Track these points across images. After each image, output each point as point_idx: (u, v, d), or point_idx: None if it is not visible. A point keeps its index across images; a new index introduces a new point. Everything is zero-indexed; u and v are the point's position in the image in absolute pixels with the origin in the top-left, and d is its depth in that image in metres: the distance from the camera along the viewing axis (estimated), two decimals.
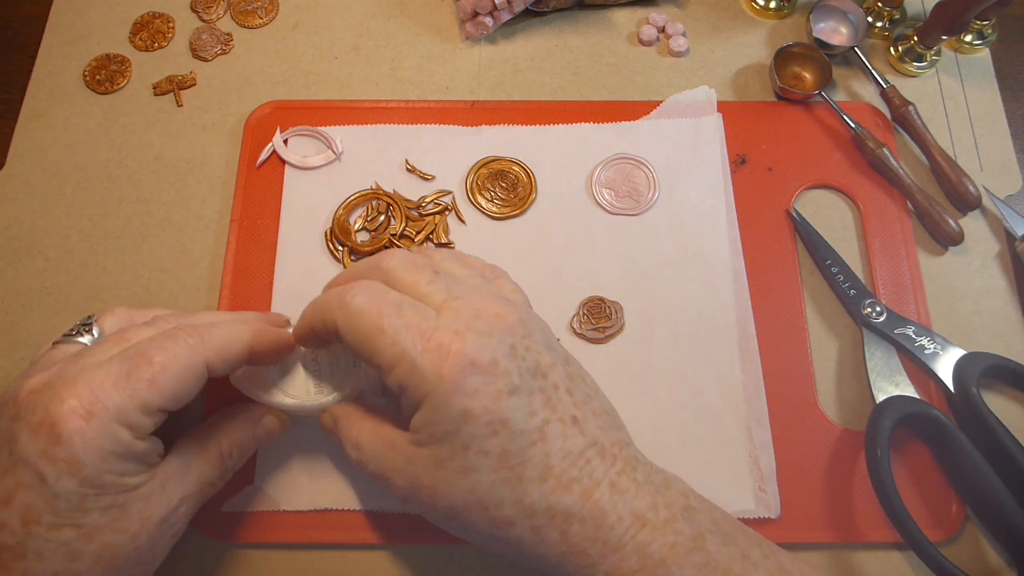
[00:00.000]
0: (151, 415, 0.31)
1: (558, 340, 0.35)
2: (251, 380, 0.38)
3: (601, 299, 0.45)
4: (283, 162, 0.48)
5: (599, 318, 0.44)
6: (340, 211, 0.47)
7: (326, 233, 0.47)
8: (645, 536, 0.30)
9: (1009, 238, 0.47)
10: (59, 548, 0.29)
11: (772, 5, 0.54)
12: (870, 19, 0.53)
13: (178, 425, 0.34)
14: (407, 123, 0.50)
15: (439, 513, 0.31)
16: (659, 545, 0.30)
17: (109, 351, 0.31)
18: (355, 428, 0.34)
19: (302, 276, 0.46)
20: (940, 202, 0.48)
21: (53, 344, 0.35)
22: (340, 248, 0.46)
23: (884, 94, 0.50)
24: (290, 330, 0.38)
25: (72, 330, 0.35)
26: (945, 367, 0.42)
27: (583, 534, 0.30)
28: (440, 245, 0.46)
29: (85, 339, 0.34)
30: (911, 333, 0.43)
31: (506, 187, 0.48)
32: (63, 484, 0.28)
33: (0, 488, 0.29)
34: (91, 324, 0.35)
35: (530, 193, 0.48)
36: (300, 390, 0.38)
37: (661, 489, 0.32)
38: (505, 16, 0.52)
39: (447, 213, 0.47)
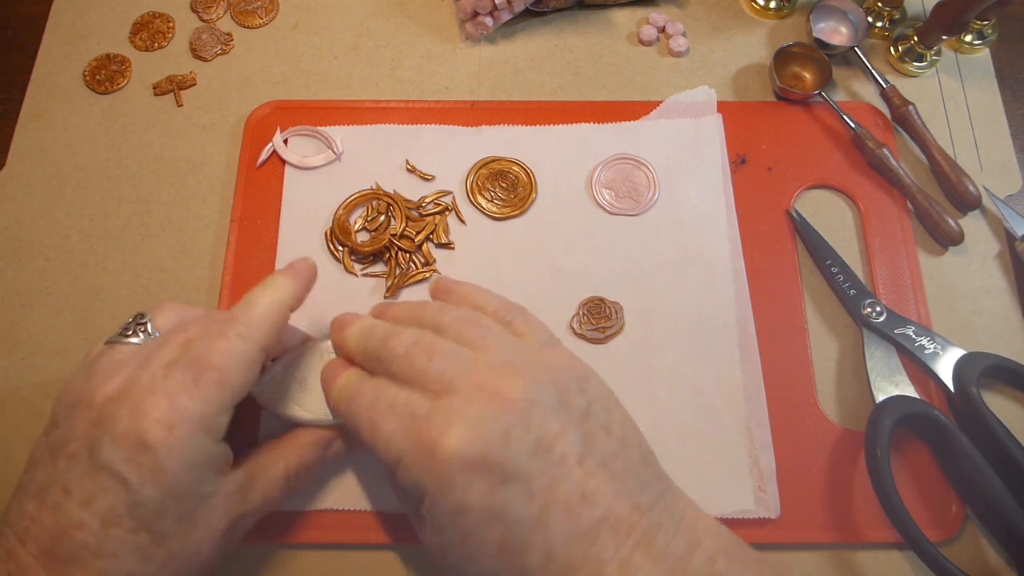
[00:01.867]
0: (227, 413, 0.32)
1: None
2: (272, 394, 0.38)
3: (601, 299, 0.45)
4: (283, 162, 0.48)
5: (599, 318, 0.44)
6: (340, 211, 0.47)
7: (326, 233, 0.47)
8: None
9: (1009, 238, 0.47)
10: (135, 551, 0.30)
11: (772, 5, 0.54)
12: (870, 19, 0.53)
13: (237, 429, 0.35)
14: (407, 123, 0.50)
15: None
16: None
17: (168, 355, 0.32)
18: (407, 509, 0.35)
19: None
20: (940, 202, 0.48)
21: (107, 343, 0.35)
22: (340, 248, 0.46)
23: (884, 94, 0.50)
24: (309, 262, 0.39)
25: (126, 329, 0.35)
26: (945, 367, 0.42)
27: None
28: (440, 245, 0.46)
29: (138, 338, 0.35)
30: (911, 333, 0.43)
31: (506, 187, 0.48)
32: (146, 491, 0.30)
33: (80, 489, 0.30)
34: (145, 323, 0.36)
35: (530, 193, 0.48)
36: (318, 405, 0.38)
37: (682, 558, 0.30)
38: (505, 16, 0.52)
39: (447, 213, 0.47)
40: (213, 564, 0.33)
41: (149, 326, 0.35)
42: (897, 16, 0.53)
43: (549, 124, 0.50)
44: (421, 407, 0.31)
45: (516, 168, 0.48)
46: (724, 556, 0.31)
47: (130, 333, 0.35)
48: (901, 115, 0.49)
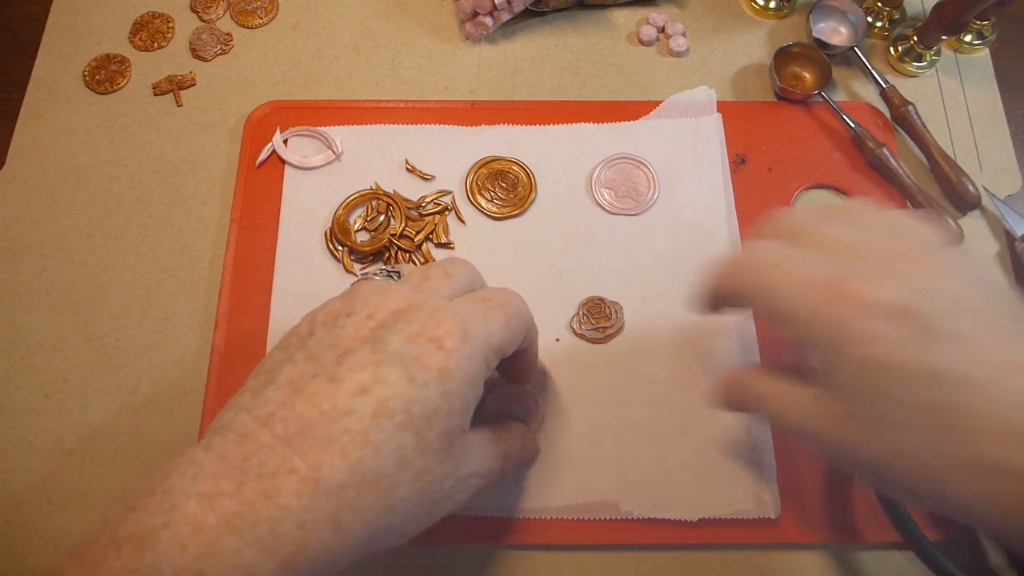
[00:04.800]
0: (499, 356, 0.32)
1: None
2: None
3: (601, 299, 0.45)
4: (283, 162, 0.48)
5: (599, 318, 0.44)
6: (340, 211, 0.47)
7: (326, 233, 0.47)
8: None
9: (1009, 238, 0.47)
10: (396, 450, 0.29)
11: (772, 5, 0.54)
12: (870, 19, 0.53)
13: None
14: (407, 123, 0.50)
15: (867, 474, 0.29)
16: None
17: (445, 289, 0.33)
18: (773, 401, 0.32)
19: (302, 276, 0.46)
20: (940, 202, 0.48)
21: (363, 276, 0.36)
22: (340, 248, 0.46)
23: (884, 94, 0.50)
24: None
25: (377, 272, 0.37)
26: None
27: None
28: (440, 245, 0.46)
29: (394, 280, 0.35)
30: None
31: (506, 187, 0.48)
32: (429, 391, 0.29)
33: (354, 381, 0.29)
34: (397, 272, 0.36)
35: (530, 193, 0.48)
36: None
37: None
38: (505, 16, 0.52)
39: (447, 213, 0.47)
40: (436, 516, 0.32)
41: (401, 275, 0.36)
42: (897, 16, 0.54)
43: (549, 124, 0.50)
44: (836, 266, 0.28)
45: (516, 168, 0.48)
46: None
47: (385, 274, 0.36)
48: (901, 115, 0.49)
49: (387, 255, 0.46)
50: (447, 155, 0.49)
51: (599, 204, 0.47)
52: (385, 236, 0.46)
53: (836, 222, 0.31)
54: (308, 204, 0.47)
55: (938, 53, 0.52)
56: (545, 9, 0.53)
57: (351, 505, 0.28)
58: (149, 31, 0.53)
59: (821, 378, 0.29)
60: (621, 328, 0.44)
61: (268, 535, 0.26)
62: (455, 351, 0.29)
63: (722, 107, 0.50)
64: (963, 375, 0.25)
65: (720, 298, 0.34)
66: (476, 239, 0.47)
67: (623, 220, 0.47)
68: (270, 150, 0.49)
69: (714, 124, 0.49)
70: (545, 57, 0.53)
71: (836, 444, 0.29)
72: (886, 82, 0.50)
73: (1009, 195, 0.49)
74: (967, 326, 0.26)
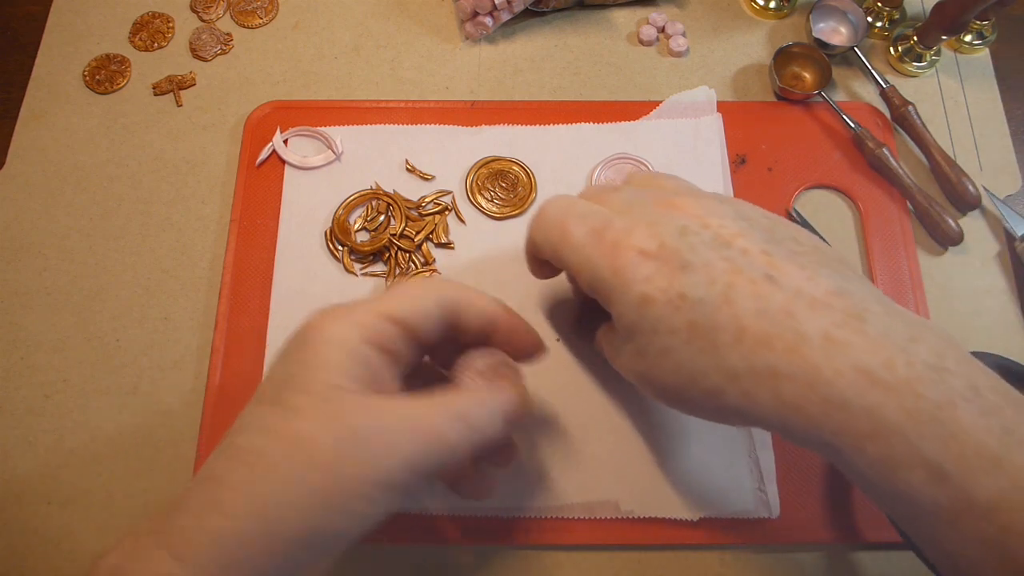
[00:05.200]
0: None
1: None
2: None
3: None
4: (283, 162, 0.48)
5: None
6: (340, 211, 0.47)
7: (326, 233, 0.47)
8: (876, 397, 0.26)
9: (1009, 238, 0.47)
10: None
11: (772, 5, 0.54)
12: (870, 19, 0.53)
13: None
14: (407, 123, 0.50)
15: (668, 400, 0.32)
16: (893, 409, 0.26)
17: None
18: (606, 350, 0.36)
19: (302, 276, 0.46)
20: (940, 202, 0.48)
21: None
22: (340, 248, 0.46)
23: (884, 94, 0.50)
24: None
25: None
26: None
27: (796, 392, 0.27)
28: (440, 245, 0.46)
29: None
30: None
31: (506, 187, 0.48)
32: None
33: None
34: None
35: (530, 193, 0.48)
36: None
37: (903, 344, 0.27)
38: (505, 16, 0.52)
39: (447, 213, 0.47)
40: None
41: None
42: (897, 16, 0.54)
43: (549, 124, 0.50)
44: (608, 217, 0.32)
45: (516, 168, 0.48)
46: (953, 353, 0.27)
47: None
48: (901, 115, 0.49)
49: (387, 255, 0.46)
50: (447, 155, 0.49)
51: None
52: (385, 236, 0.46)
53: (624, 187, 0.35)
54: (308, 204, 0.47)
55: (938, 53, 0.52)
56: (545, 9, 0.53)
57: None
58: (149, 31, 0.53)
59: (615, 325, 0.32)
60: None
61: None
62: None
63: (722, 107, 0.50)
64: (708, 297, 0.29)
65: (531, 254, 0.37)
66: (476, 239, 0.47)
67: None
68: (270, 150, 0.49)
69: (714, 124, 0.49)
70: (545, 57, 0.53)
71: (638, 377, 0.32)
72: (886, 82, 0.50)
73: (1009, 195, 0.49)
74: (712, 256, 0.30)
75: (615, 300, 0.31)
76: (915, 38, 0.51)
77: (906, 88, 0.51)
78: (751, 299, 0.29)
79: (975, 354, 0.42)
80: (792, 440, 0.29)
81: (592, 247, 0.32)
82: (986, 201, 0.48)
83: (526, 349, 0.35)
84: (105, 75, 0.52)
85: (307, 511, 0.27)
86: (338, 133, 0.49)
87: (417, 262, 0.46)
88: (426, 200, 0.47)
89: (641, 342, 0.31)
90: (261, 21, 0.54)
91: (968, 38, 0.53)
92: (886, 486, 0.26)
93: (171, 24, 0.54)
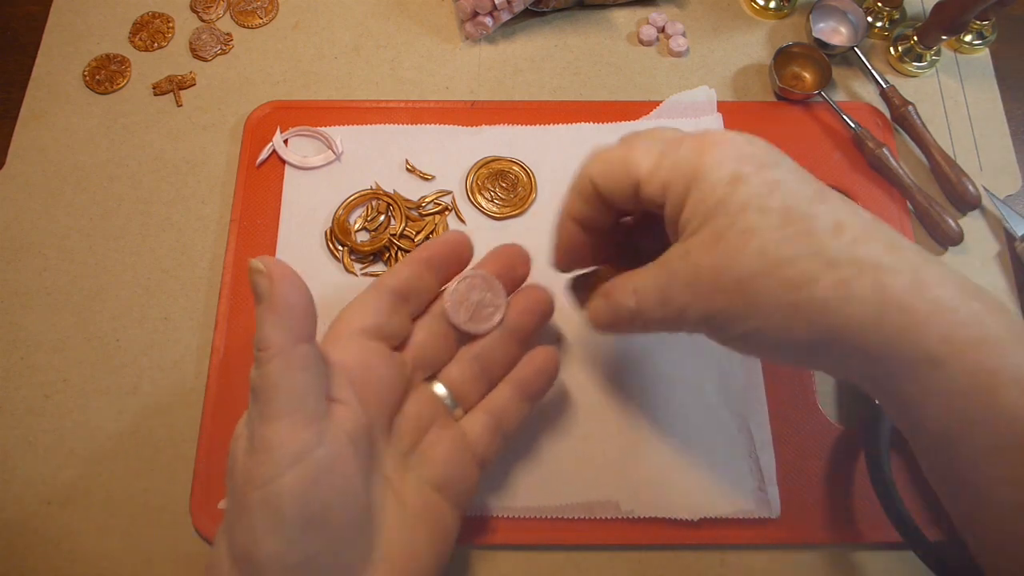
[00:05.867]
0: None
1: None
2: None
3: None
4: (283, 162, 0.48)
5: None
6: (340, 211, 0.47)
7: (326, 233, 0.47)
8: (977, 307, 0.25)
9: (1009, 238, 0.47)
10: None
11: (772, 5, 0.54)
12: (870, 19, 0.53)
13: None
14: (407, 123, 0.50)
15: (728, 301, 0.28)
16: (995, 322, 0.25)
17: None
18: (624, 280, 0.33)
19: (302, 276, 0.45)
20: (940, 202, 0.48)
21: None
22: (340, 248, 0.46)
23: (884, 94, 0.50)
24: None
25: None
26: None
27: (903, 286, 0.26)
28: None
29: None
30: None
31: (506, 187, 0.48)
32: None
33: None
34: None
35: (530, 193, 0.48)
36: None
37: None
38: (505, 16, 0.52)
39: (447, 213, 0.47)
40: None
41: None
42: (897, 16, 0.54)
43: (549, 124, 0.50)
44: (679, 135, 0.31)
45: (516, 168, 0.48)
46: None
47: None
48: (901, 115, 0.49)
49: (387, 255, 0.46)
50: (447, 155, 0.49)
51: None
52: (385, 236, 0.46)
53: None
54: (308, 204, 0.47)
55: (938, 53, 0.52)
56: (545, 9, 0.53)
57: None
58: (149, 31, 0.53)
59: (684, 220, 0.29)
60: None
61: None
62: None
63: (722, 107, 0.50)
64: (802, 191, 0.28)
65: (576, 210, 0.34)
66: (476, 239, 0.46)
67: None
68: (270, 150, 0.49)
69: (714, 124, 0.49)
70: (545, 57, 0.53)
71: (703, 272, 0.28)
72: (886, 82, 0.50)
73: (1009, 195, 0.49)
74: (790, 165, 0.29)
75: (700, 180, 0.29)
76: (915, 38, 0.51)
77: (906, 88, 0.51)
78: (843, 204, 0.28)
79: None
80: (859, 358, 0.27)
81: (672, 146, 0.30)
82: (986, 201, 0.48)
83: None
84: (105, 75, 0.52)
85: None
86: (338, 133, 0.49)
87: None
88: (426, 200, 0.47)
89: (721, 223, 0.28)
90: (261, 21, 0.54)
91: (968, 38, 0.53)
92: (979, 403, 0.25)
93: (171, 24, 0.54)
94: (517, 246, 0.39)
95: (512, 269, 0.38)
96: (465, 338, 0.37)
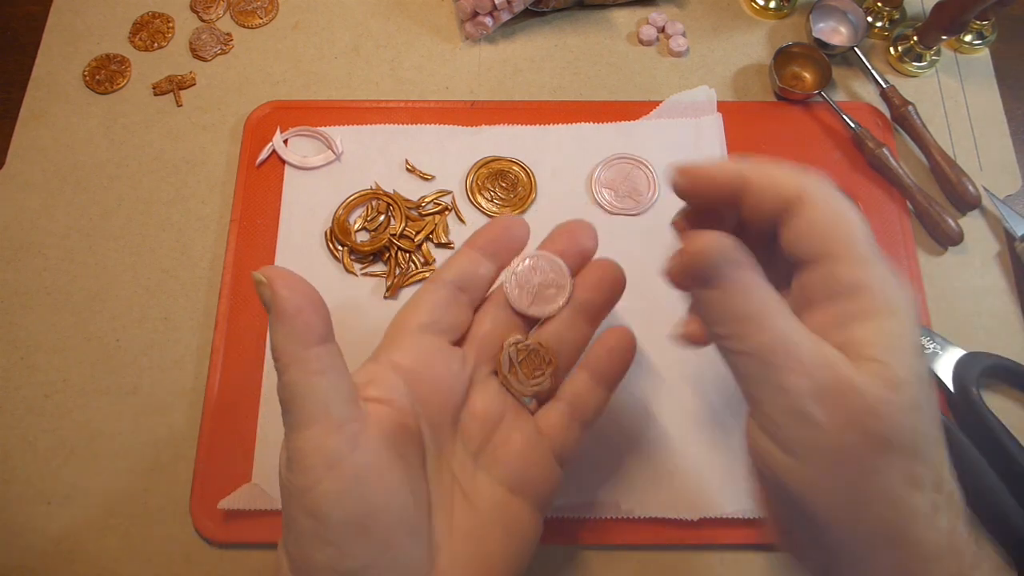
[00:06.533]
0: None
1: None
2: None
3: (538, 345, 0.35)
4: (283, 162, 0.48)
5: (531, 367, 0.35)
6: (340, 211, 0.47)
7: (326, 233, 0.47)
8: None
9: (1009, 238, 0.47)
10: None
11: (772, 5, 0.54)
12: (870, 19, 0.53)
13: None
14: (407, 123, 0.50)
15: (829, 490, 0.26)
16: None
17: None
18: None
19: (302, 276, 0.45)
20: (940, 202, 0.48)
21: None
22: (340, 248, 0.46)
23: (884, 94, 0.50)
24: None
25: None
26: (945, 367, 0.42)
27: (964, 533, 0.25)
28: (440, 245, 0.46)
29: None
30: None
31: (506, 187, 0.48)
32: None
33: None
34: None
35: (530, 193, 0.48)
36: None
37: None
38: (505, 16, 0.52)
39: (447, 213, 0.47)
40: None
41: None
42: (897, 16, 0.54)
43: (549, 124, 0.50)
44: None
45: (516, 168, 0.48)
46: None
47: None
48: (901, 115, 0.49)
49: (387, 255, 0.46)
50: (447, 155, 0.49)
51: (599, 204, 0.47)
52: (385, 236, 0.46)
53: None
54: (308, 204, 0.47)
55: (938, 53, 0.52)
56: (545, 9, 0.53)
57: None
58: (149, 31, 0.53)
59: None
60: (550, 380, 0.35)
61: None
62: None
63: (722, 107, 0.50)
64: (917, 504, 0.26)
65: (720, 187, 0.28)
66: None
67: (623, 220, 0.47)
68: (270, 150, 0.49)
69: (714, 124, 0.49)
70: (545, 57, 0.53)
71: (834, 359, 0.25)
72: (886, 82, 0.50)
73: (1009, 195, 0.49)
74: None
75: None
76: (915, 38, 0.51)
77: (906, 88, 0.51)
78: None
79: (974, 355, 0.42)
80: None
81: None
82: (986, 201, 0.48)
83: None
84: (105, 75, 0.52)
85: None
86: (338, 133, 0.49)
87: (417, 262, 0.46)
88: (426, 200, 0.47)
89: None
90: (261, 21, 0.54)
91: (968, 38, 0.53)
92: None
93: (171, 24, 0.54)
94: (581, 221, 0.37)
95: (576, 245, 0.36)
96: (531, 323, 0.35)
